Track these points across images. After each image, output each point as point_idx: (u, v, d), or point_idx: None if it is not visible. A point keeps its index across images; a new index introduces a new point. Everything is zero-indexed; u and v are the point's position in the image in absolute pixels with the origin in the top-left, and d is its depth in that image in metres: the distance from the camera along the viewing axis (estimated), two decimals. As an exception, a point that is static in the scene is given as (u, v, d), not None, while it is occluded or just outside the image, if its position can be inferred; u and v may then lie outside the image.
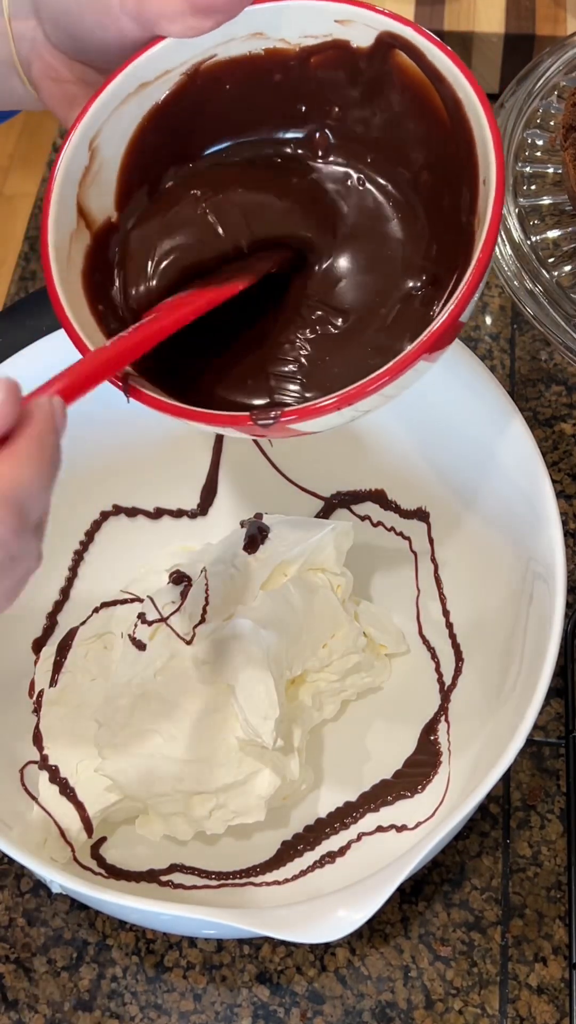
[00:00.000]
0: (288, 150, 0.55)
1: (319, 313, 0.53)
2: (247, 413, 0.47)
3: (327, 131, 0.55)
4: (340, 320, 0.53)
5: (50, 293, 0.50)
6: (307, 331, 0.53)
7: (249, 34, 0.52)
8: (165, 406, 0.48)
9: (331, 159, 0.55)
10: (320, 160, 0.55)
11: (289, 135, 0.55)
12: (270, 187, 0.54)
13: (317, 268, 0.54)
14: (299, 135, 0.55)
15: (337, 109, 0.54)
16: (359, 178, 0.55)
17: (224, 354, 0.52)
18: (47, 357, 0.62)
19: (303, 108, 0.54)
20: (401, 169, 0.54)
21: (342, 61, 0.53)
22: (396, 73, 0.52)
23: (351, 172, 0.55)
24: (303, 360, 0.53)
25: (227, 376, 0.52)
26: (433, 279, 0.52)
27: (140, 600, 0.64)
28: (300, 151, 0.55)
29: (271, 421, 0.47)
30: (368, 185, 0.55)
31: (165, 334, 0.48)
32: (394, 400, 0.50)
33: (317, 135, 0.55)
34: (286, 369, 0.53)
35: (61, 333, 0.62)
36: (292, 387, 0.52)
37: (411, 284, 0.53)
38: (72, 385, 0.46)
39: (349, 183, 0.55)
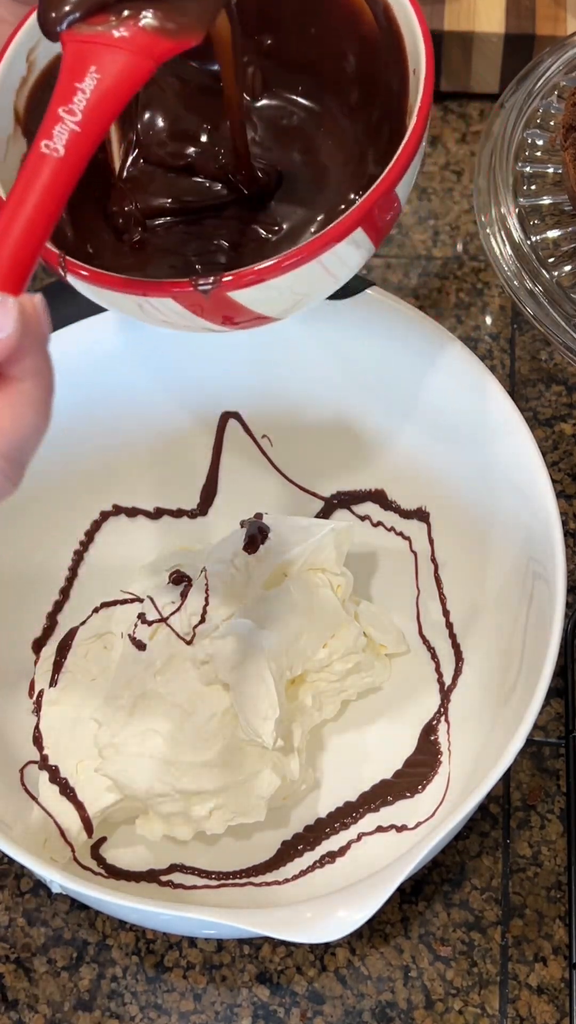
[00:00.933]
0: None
1: (255, 227, 0.55)
2: (186, 279, 0.47)
3: (259, 69, 0.57)
4: (276, 228, 0.54)
5: None
6: (242, 236, 0.54)
7: None
8: (105, 278, 0.48)
9: (263, 96, 0.58)
10: (254, 99, 0.57)
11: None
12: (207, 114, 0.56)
13: (253, 205, 0.56)
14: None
15: (269, 40, 0.56)
16: (291, 111, 0.57)
17: (155, 252, 0.54)
18: (47, 357, 0.62)
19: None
20: (332, 94, 0.56)
21: None
22: None
23: (284, 106, 0.57)
24: (235, 254, 0.54)
25: (156, 267, 0.53)
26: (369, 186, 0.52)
27: (140, 600, 0.64)
28: None
29: (210, 285, 0.46)
30: (300, 116, 0.57)
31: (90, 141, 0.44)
32: (336, 282, 0.49)
33: (251, 71, 0.57)
34: (216, 260, 0.54)
35: (61, 333, 0.63)
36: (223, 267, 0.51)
37: (351, 197, 0.54)
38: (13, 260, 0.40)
39: (281, 120, 0.57)
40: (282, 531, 0.62)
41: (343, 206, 0.55)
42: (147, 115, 0.58)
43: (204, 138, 0.58)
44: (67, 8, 0.45)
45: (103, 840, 0.61)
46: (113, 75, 0.44)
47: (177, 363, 0.65)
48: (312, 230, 0.55)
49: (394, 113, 0.53)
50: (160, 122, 0.58)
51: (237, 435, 0.69)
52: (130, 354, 0.64)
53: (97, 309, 0.63)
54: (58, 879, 0.49)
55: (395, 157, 0.48)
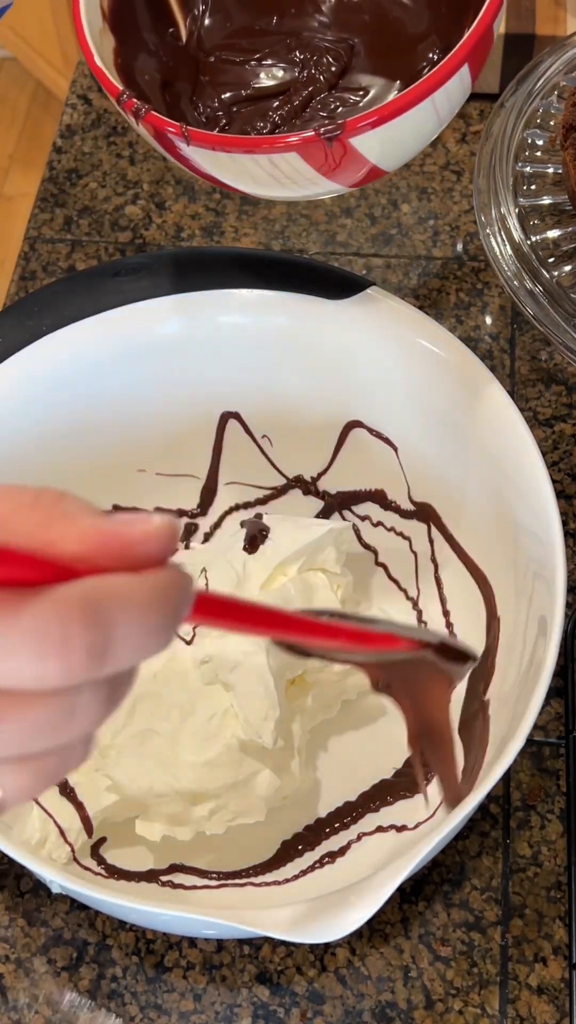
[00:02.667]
0: None
1: (342, 94, 0.58)
2: (311, 130, 0.49)
3: None
4: (361, 93, 0.58)
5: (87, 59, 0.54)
6: (330, 112, 0.58)
7: None
8: (231, 140, 0.50)
9: None
10: None
11: None
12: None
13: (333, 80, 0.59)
14: None
15: None
16: None
17: (260, 121, 0.57)
18: (47, 357, 0.62)
19: None
20: None
21: None
22: None
23: None
24: (331, 119, 0.57)
25: (264, 131, 0.57)
26: (446, 48, 0.56)
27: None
28: None
29: (335, 130, 0.48)
30: None
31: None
32: (439, 124, 0.52)
33: None
34: (318, 116, 0.57)
35: (61, 333, 0.63)
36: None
37: (429, 56, 0.57)
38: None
39: None
40: (282, 531, 0.62)
41: (424, 64, 0.58)
42: (211, 16, 0.62)
43: (274, 22, 0.61)
44: None
45: (103, 840, 0.61)
46: None
47: (177, 363, 0.65)
48: (396, 88, 0.57)
49: None
50: (228, 20, 0.62)
51: (237, 435, 0.69)
52: (130, 354, 0.64)
53: (96, 310, 0.63)
54: (58, 879, 0.49)
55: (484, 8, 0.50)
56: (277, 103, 0.59)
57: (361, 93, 0.58)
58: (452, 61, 0.50)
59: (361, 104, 0.58)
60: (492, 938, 0.60)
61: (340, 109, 0.58)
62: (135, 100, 0.52)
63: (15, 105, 1.95)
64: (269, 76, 0.60)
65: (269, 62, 0.60)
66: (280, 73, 0.60)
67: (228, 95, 0.59)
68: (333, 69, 0.59)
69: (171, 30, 0.61)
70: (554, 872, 0.61)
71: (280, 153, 0.50)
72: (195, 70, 0.61)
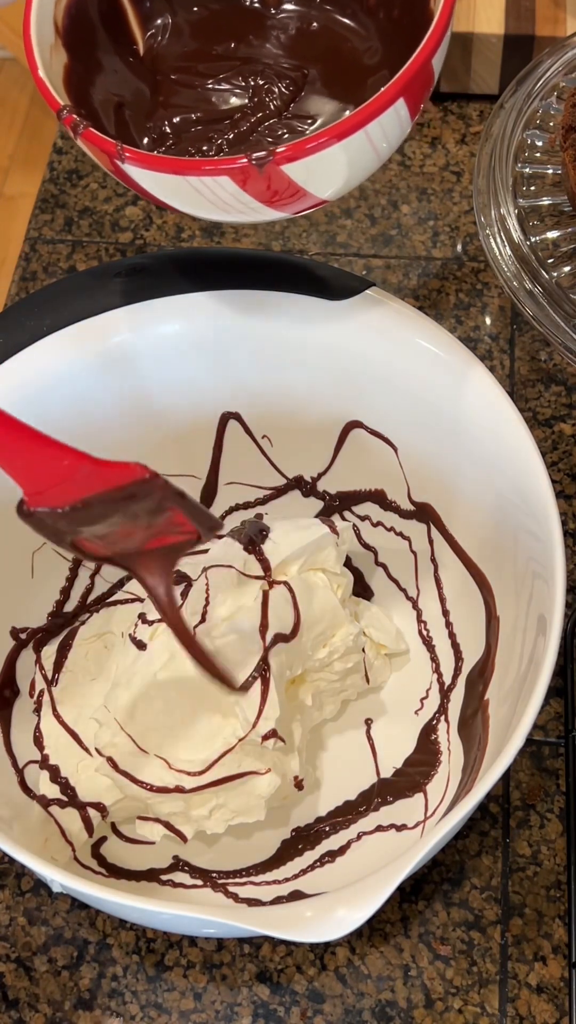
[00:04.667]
0: (247, 2, 0.62)
1: (290, 122, 0.59)
2: (242, 154, 0.48)
3: None
4: (310, 121, 0.58)
5: (36, 81, 0.53)
6: (275, 138, 0.58)
7: None
8: (163, 161, 0.50)
9: (283, 8, 0.62)
10: (273, 10, 0.62)
11: None
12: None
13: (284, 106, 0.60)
14: None
15: None
16: (311, 18, 0.62)
17: (204, 144, 0.58)
18: (47, 357, 0.63)
19: None
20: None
21: None
22: None
23: (305, 13, 0.62)
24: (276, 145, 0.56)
25: (208, 154, 0.57)
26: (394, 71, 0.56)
27: (140, 600, 0.64)
28: (257, 4, 0.62)
29: (265, 158, 0.48)
30: (321, 22, 0.61)
31: None
32: (378, 158, 0.52)
33: None
34: (264, 140, 0.58)
35: (61, 333, 0.63)
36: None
37: (380, 88, 0.56)
38: None
39: (302, 27, 0.62)
40: (282, 531, 0.62)
41: (372, 94, 0.57)
42: (169, 39, 0.62)
43: (232, 48, 0.61)
44: None
45: (103, 839, 0.61)
46: None
47: (177, 363, 0.65)
48: (347, 115, 0.57)
49: (416, 5, 0.56)
50: (186, 44, 0.62)
51: (237, 435, 0.69)
52: (131, 355, 0.64)
53: (97, 310, 0.63)
54: (58, 878, 0.49)
55: (432, 26, 0.51)
56: (224, 127, 0.59)
57: (309, 121, 0.58)
58: (386, 95, 0.50)
59: (307, 132, 0.58)
60: (492, 937, 0.60)
61: (285, 135, 0.58)
62: (74, 116, 0.51)
63: (15, 105, 1.95)
64: (221, 100, 0.60)
65: (223, 87, 0.60)
66: (232, 98, 0.60)
67: (179, 118, 0.59)
68: (284, 96, 0.59)
69: (132, 47, 0.61)
70: (554, 871, 0.61)
71: (211, 176, 0.49)
72: (151, 90, 0.60)
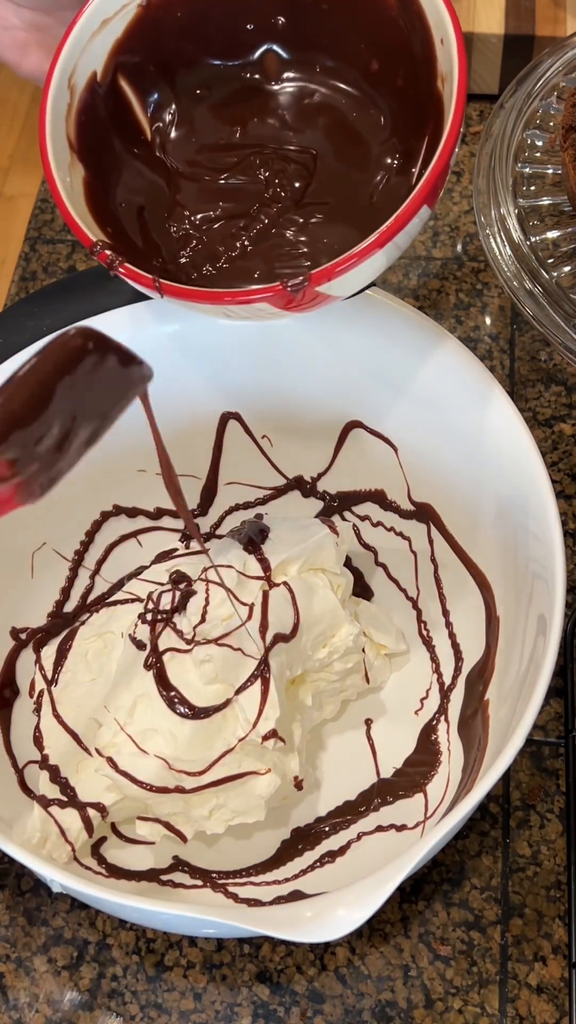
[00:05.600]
0: (247, 75, 0.61)
1: (305, 212, 0.59)
2: (277, 283, 0.51)
3: (276, 48, 0.61)
4: (324, 205, 0.58)
5: (59, 208, 0.54)
6: (297, 229, 0.58)
7: None
8: (198, 294, 0.52)
9: (285, 78, 0.61)
10: (275, 83, 0.62)
11: (243, 61, 0.61)
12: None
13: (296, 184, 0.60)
14: (252, 58, 0.61)
15: (282, 20, 0.60)
16: (313, 90, 0.61)
17: (226, 265, 0.58)
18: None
19: (250, 27, 0.60)
20: (351, 67, 0.60)
21: None
22: None
23: (306, 85, 0.61)
24: (302, 248, 0.58)
25: (235, 278, 0.57)
26: (406, 152, 0.57)
27: (140, 600, 0.64)
28: (257, 76, 0.62)
29: (302, 283, 0.51)
30: (323, 92, 0.61)
31: None
32: (399, 252, 0.54)
33: (267, 55, 0.61)
34: (288, 255, 0.58)
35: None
36: (300, 265, 0.57)
37: (387, 162, 0.58)
38: None
39: (305, 100, 0.61)
40: (282, 531, 0.62)
41: (382, 174, 0.58)
42: (177, 127, 0.62)
43: (238, 135, 0.61)
44: None
45: (103, 840, 0.61)
46: None
47: (177, 364, 0.65)
48: (360, 201, 0.58)
49: (422, 78, 0.56)
50: (193, 138, 0.61)
51: (237, 435, 0.69)
52: (130, 354, 0.64)
53: (96, 310, 0.63)
54: (58, 878, 0.49)
55: (447, 126, 0.52)
56: (245, 223, 0.59)
57: (324, 205, 0.59)
58: (411, 206, 0.51)
59: (323, 217, 0.59)
60: (492, 937, 0.60)
61: (307, 229, 0.59)
62: (107, 252, 0.53)
63: (15, 105, 1.95)
64: (237, 194, 0.60)
65: (237, 180, 0.60)
66: (248, 188, 0.60)
67: (199, 216, 0.59)
68: (297, 184, 0.59)
69: (140, 138, 0.61)
70: (553, 871, 0.61)
71: (248, 305, 0.52)
72: (166, 183, 0.61)
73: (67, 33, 0.56)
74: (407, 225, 0.51)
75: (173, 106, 0.61)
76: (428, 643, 0.66)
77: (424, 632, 0.66)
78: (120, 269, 0.53)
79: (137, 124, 0.61)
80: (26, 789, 0.61)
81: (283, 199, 0.59)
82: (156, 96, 0.61)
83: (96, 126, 0.58)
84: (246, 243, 0.58)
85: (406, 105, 0.58)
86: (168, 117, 0.61)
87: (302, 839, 0.61)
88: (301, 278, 0.50)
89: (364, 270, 0.52)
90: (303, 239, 0.58)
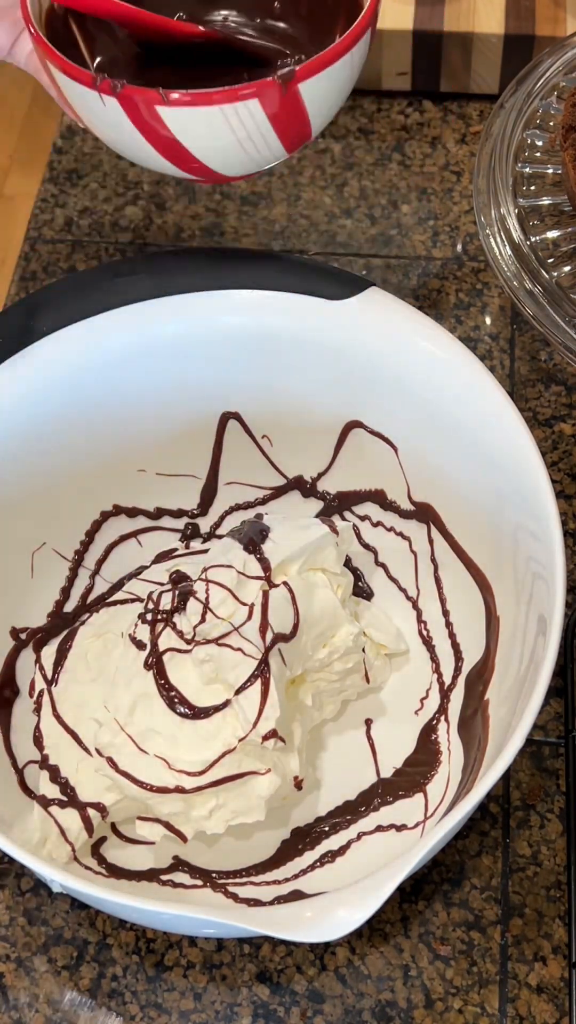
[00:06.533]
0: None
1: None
2: (268, 77, 0.56)
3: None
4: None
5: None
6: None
7: None
8: (194, 97, 0.56)
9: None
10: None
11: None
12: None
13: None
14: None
15: None
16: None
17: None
18: (47, 357, 0.63)
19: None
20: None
21: None
22: None
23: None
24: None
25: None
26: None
27: (140, 600, 0.64)
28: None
29: (290, 73, 0.56)
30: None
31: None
32: (357, 74, 0.61)
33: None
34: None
35: (61, 333, 0.63)
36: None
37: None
38: None
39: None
40: (282, 531, 0.62)
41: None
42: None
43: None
44: None
45: (103, 839, 0.61)
46: None
47: (177, 363, 0.65)
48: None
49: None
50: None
51: (237, 435, 0.69)
52: (131, 355, 0.64)
53: (96, 310, 0.63)
54: (58, 878, 0.49)
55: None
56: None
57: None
58: (364, 19, 0.58)
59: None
60: (492, 937, 0.60)
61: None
62: (109, 79, 0.56)
63: (15, 105, 1.95)
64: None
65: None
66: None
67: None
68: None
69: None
70: (554, 871, 0.61)
71: (244, 101, 0.56)
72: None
73: None
74: (365, 33, 0.58)
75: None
76: (428, 643, 0.66)
77: (424, 632, 0.66)
78: (123, 90, 0.56)
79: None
80: (26, 789, 0.61)
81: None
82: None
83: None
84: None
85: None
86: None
87: (302, 839, 0.61)
88: (289, 68, 0.56)
89: (337, 76, 0.58)
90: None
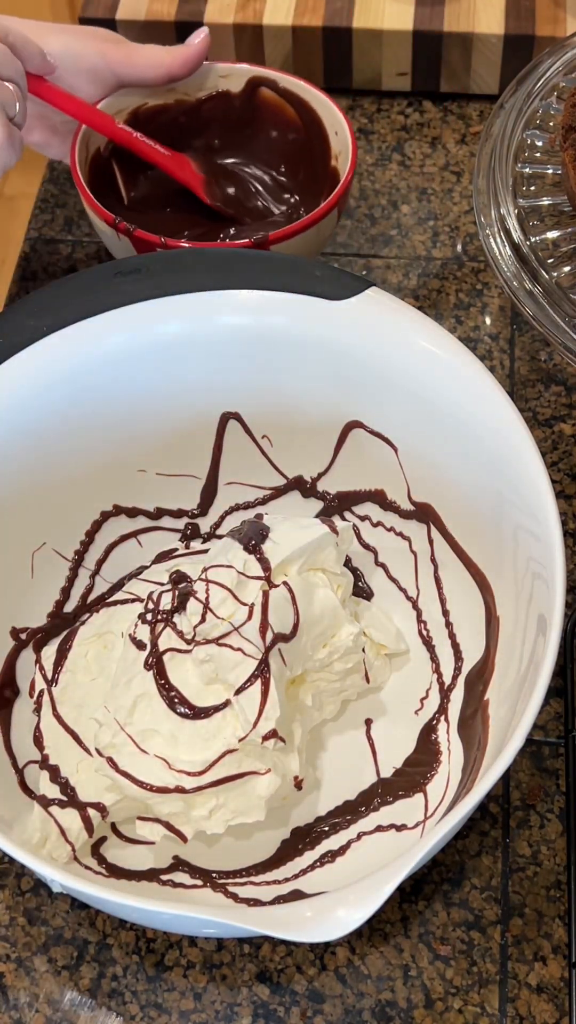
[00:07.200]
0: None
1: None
2: (246, 240, 0.72)
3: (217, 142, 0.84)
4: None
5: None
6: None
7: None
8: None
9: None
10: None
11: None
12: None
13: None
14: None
15: (216, 141, 0.83)
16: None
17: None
18: (47, 357, 0.63)
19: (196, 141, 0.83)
20: (265, 165, 0.83)
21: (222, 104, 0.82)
22: (259, 100, 0.81)
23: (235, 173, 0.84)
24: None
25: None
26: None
27: (140, 600, 0.64)
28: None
29: (264, 236, 0.71)
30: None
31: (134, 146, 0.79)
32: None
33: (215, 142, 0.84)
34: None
35: (61, 333, 0.63)
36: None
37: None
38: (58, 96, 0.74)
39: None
40: (282, 531, 0.62)
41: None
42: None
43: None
44: None
45: (103, 839, 0.61)
46: None
47: (177, 363, 0.65)
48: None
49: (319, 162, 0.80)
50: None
51: (237, 435, 0.69)
52: (130, 355, 0.64)
53: (97, 310, 0.63)
54: (58, 878, 0.49)
55: (343, 179, 0.75)
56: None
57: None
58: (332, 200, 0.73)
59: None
60: (492, 937, 0.60)
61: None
62: (125, 223, 0.73)
63: (15, 105, 1.95)
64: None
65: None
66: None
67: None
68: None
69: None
70: (554, 871, 0.61)
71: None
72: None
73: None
74: (331, 211, 0.73)
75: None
76: (428, 643, 0.66)
77: (424, 632, 0.66)
78: (135, 233, 0.72)
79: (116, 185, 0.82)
80: (26, 789, 0.61)
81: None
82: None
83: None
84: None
85: (311, 186, 0.81)
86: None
87: (302, 839, 0.61)
88: (262, 234, 0.71)
89: (305, 243, 0.72)
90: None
